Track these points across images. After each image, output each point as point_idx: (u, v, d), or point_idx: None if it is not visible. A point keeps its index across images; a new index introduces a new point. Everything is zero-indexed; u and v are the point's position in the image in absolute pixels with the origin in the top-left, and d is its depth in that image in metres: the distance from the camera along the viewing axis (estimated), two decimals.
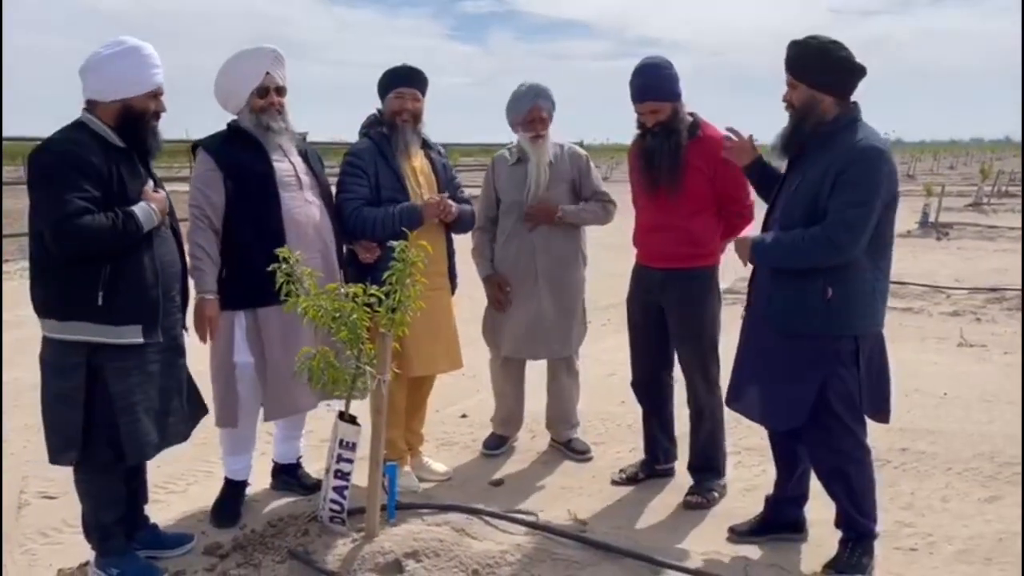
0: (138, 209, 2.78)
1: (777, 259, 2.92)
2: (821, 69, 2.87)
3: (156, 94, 2.89)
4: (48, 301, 2.77)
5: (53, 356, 2.81)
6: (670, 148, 3.48)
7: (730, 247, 3.26)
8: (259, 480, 3.74)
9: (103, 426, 2.79)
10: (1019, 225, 13.25)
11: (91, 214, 2.67)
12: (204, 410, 3.21)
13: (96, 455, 2.82)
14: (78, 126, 2.82)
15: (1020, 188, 20.96)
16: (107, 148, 2.79)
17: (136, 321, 2.79)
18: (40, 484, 3.81)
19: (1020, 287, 7.98)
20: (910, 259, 10.84)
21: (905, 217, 15.36)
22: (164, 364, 2.92)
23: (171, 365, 2.96)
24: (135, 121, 2.84)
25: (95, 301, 2.71)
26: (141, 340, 2.81)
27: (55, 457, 2.85)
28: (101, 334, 2.75)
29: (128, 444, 2.80)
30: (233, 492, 3.52)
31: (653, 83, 3.49)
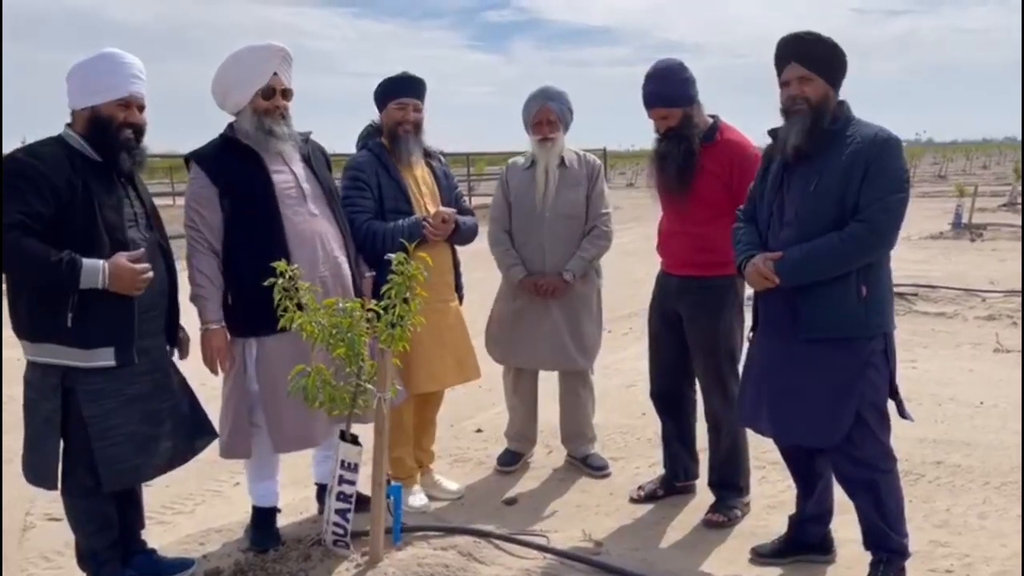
0: (87, 263, 2.61)
1: (813, 272, 2.74)
2: (837, 65, 2.81)
3: (128, 103, 2.76)
4: (21, 323, 2.71)
5: (33, 377, 2.75)
6: (680, 153, 3.37)
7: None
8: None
9: (80, 451, 2.72)
10: None
11: (25, 229, 2.55)
12: (211, 434, 3.07)
13: (76, 480, 2.74)
14: (51, 139, 2.74)
15: None
16: (76, 161, 2.69)
17: (108, 343, 2.69)
18: (47, 505, 3.73)
19: (1020, 290, 7.73)
20: (943, 261, 10.55)
21: (937, 218, 15.11)
22: (151, 386, 2.82)
23: (159, 387, 2.86)
24: (103, 131, 2.72)
25: (64, 323, 2.63)
26: (113, 363, 2.71)
27: (33, 479, 2.78)
28: (72, 357, 2.66)
29: (103, 470, 2.71)
30: (262, 519, 3.33)
31: (661, 89, 3.39)
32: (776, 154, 2.92)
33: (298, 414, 3.07)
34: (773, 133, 2.94)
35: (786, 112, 2.85)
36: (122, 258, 2.67)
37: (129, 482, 2.82)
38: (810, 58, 2.79)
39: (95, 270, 2.62)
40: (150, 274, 2.73)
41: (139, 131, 2.81)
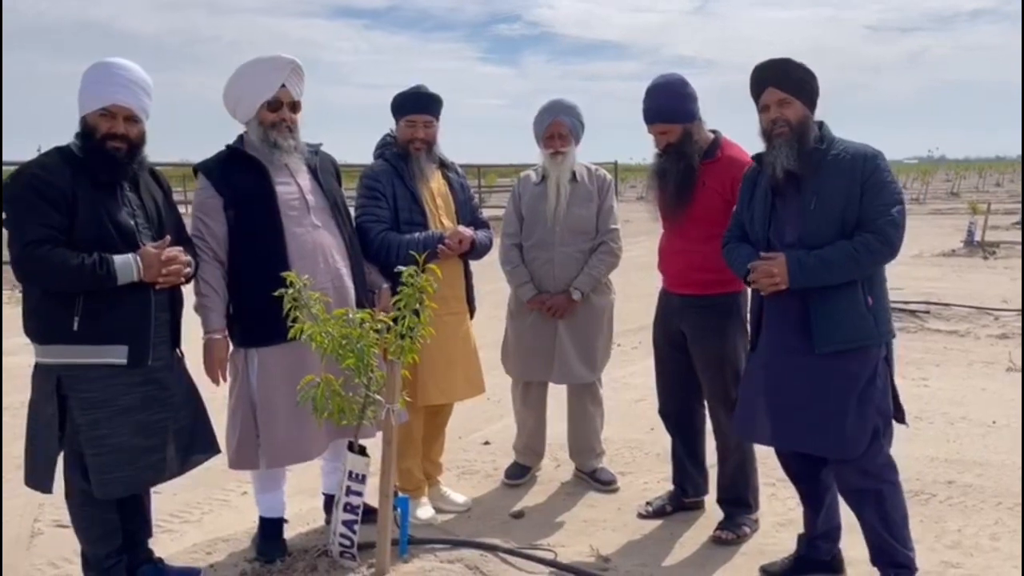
0: (118, 258, 2.66)
1: (824, 277, 2.75)
2: (812, 88, 2.87)
3: (111, 113, 2.72)
4: (28, 325, 2.73)
5: (38, 381, 2.77)
6: (679, 170, 3.36)
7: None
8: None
9: (76, 457, 2.74)
10: None
11: (52, 243, 2.59)
12: (209, 451, 3.04)
13: (75, 486, 2.77)
14: (55, 149, 2.76)
15: None
16: (76, 170, 2.69)
17: (123, 341, 2.71)
18: (55, 513, 3.74)
19: (1021, 309, 7.68)
20: (955, 279, 10.48)
21: (950, 236, 15.03)
22: (144, 398, 2.80)
23: (153, 399, 2.82)
24: (88, 140, 2.72)
25: (71, 327, 2.65)
26: (124, 361, 2.72)
27: (32, 481, 2.80)
28: (80, 355, 2.68)
29: (94, 478, 2.73)
30: (270, 530, 3.30)
31: (661, 105, 3.38)
32: (761, 179, 2.93)
33: (291, 427, 3.06)
34: (758, 158, 2.95)
35: (767, 136, 2.87)
36: (149, 247, 2.72)
37: (119, 492, 2.80)
38: (787, 81, 2.84)
39: (127, 264, 2.67)
40: (173, 253, 2.77)
41: (132, 144, 2.76)
